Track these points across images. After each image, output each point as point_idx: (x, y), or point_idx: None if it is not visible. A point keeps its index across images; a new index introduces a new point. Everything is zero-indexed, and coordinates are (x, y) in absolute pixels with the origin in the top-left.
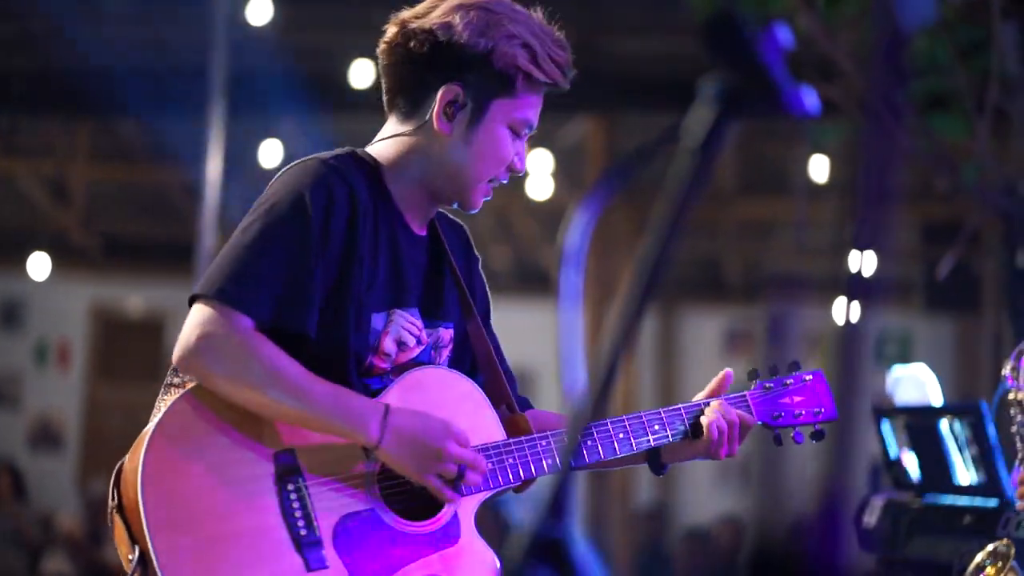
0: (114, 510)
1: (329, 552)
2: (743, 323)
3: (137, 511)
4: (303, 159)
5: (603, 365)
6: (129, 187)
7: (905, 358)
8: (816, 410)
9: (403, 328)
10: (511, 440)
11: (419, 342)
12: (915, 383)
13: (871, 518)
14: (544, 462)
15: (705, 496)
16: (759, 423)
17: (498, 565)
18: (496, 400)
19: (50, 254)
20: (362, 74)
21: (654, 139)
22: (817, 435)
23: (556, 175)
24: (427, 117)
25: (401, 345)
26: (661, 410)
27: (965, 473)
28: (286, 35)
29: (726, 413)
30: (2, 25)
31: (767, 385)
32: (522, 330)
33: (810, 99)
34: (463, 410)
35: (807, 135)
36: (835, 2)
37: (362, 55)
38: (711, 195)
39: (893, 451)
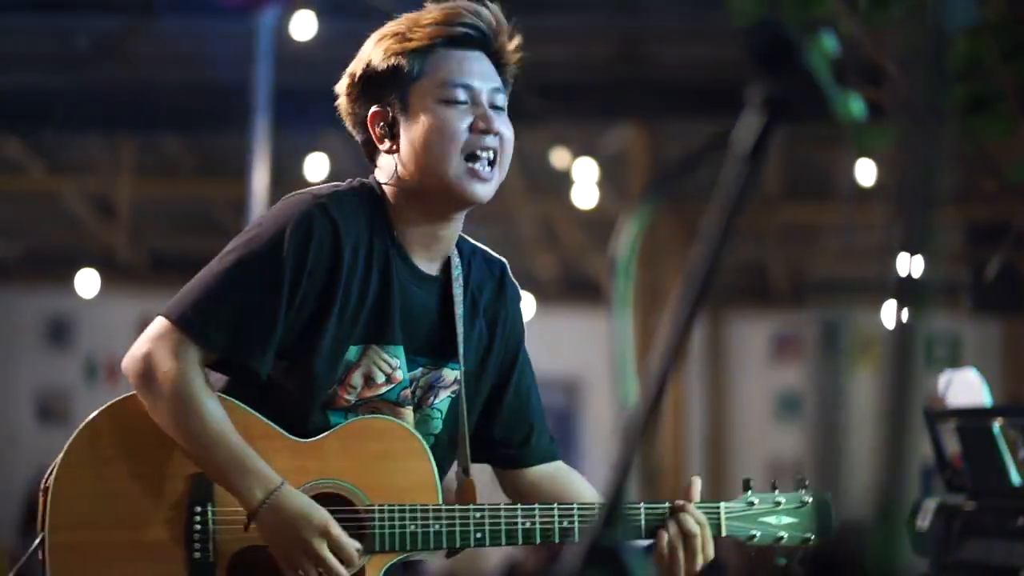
0: (42, 491)
1: None
2: (790, 328)
3: (48, 501)
4: (300, 191)
5: (656, 374)
6: (175, 202)
7: (954, 361)
8: (805, 535)
9: (375, 364)
10: (445, 506)
11: (389, 380)
12: (966, 386)
13: (924, 521)
14: (472, 535)
15: None
16: (726, 537)
17: None
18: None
19: (97, 271)
20: None
21: (701, 147)
22: (783, 570)
23: (601, 184)
24: (378, 150)
25: (368, 380)
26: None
27: (1018, 475)
28: (330, 49)
29: (684, 523)
30: (46, 42)
31: (751, 500)
32: (570, 338)
33: (856, 104)
34: (397, 467)
35: (852, 139)
36: (879, 6)
37: None
38: (757, 200)
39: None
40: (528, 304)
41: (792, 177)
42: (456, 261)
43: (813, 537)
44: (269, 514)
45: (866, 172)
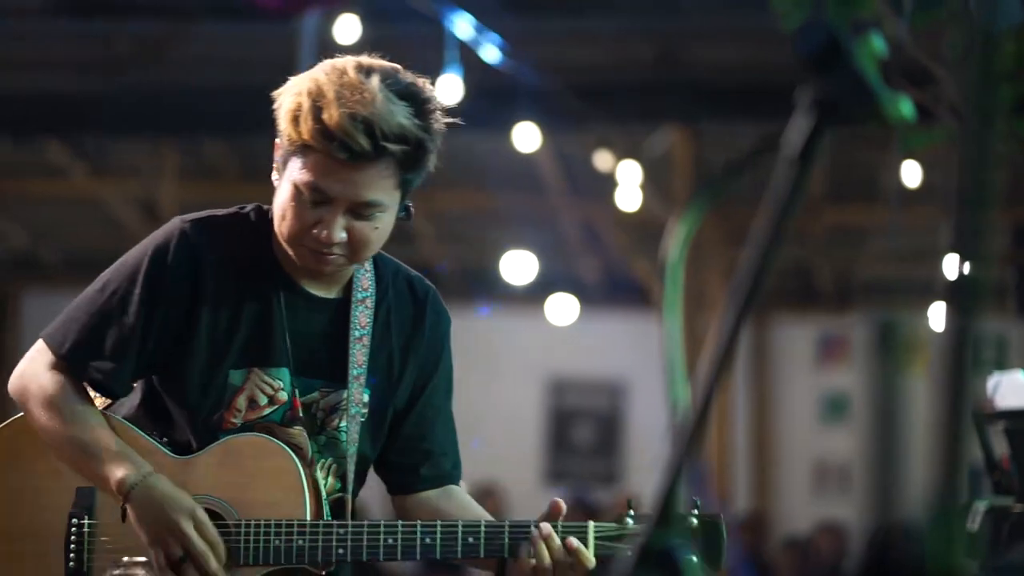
0: None
1: None
2: (836, 331)
3: None
4: (175, 218)
5: (707, 376)
6: (218, 206)
7: (1001, 363)
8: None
9: (257, 387)
10: (311, 522)
11: (271, 402)
12: (1014, 388)
13: (973, 523)
14: (334, 551)
15: (803, 503)
16: (599, 560)
17: None
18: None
19: None
20: (449, 90)
21: (750, 149)
22: None
23: (644, 186)
24: None
25: (252, 403)
26: (483, 522)
27: None
28: (371, 52)
29: (551, 542)
30: (90, 47)
31: (626, 521)
32: (613, 342)
33: (906, 106)
34: (269, 484)
35: (897, 140)
36: (924, 8)
37: (448, 71)
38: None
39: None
40: (571, 307)
41: (837, 179)
42: (366, 284)
43: (697, 560)
44: (139, 495)
45: (912, 174)
